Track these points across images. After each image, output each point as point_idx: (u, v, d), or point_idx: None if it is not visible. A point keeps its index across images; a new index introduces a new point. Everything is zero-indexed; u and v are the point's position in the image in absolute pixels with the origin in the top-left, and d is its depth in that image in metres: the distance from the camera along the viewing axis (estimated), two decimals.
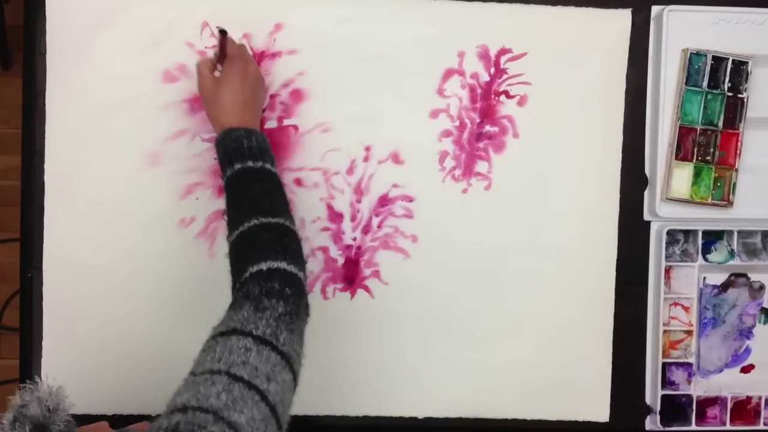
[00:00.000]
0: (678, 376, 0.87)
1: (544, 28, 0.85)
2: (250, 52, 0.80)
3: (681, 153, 0.85)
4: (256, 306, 0.57)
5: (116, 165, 0.83)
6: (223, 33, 0.75)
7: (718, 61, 0.85)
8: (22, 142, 0.83)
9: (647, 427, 0.87)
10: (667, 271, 0.87)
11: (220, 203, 0.83)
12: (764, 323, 0.88)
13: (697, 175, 0.86)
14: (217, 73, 0.75)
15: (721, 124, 0.85)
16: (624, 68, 0.86)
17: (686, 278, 0.87)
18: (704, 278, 0.87)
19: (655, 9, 0.86)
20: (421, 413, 0.86)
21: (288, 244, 0.63)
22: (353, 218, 0.85)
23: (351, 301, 0.85)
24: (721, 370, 0.88)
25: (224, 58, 0.75)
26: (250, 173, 0.68)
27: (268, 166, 0.69)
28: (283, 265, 0.60)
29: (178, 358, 0.83)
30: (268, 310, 0.57)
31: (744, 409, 0.87)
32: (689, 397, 0.86)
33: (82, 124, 0.83)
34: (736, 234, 0.86)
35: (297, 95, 0.84)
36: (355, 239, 0.85)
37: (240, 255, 0.63)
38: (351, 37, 0.84)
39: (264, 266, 0.60)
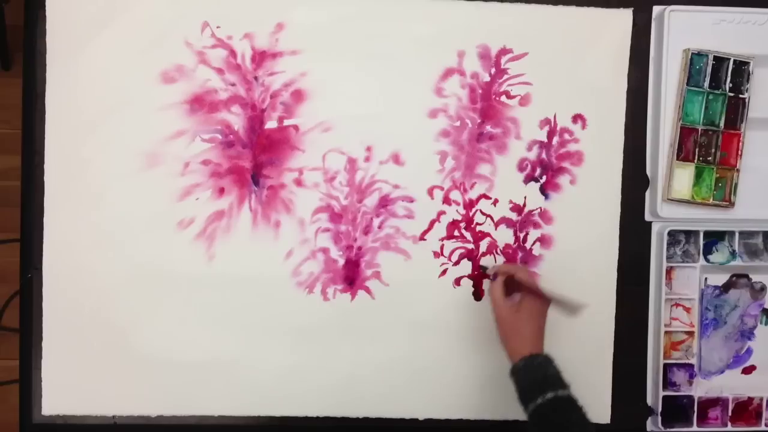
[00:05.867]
0: (679, 377, 0.86)
1: (545, 28, 0.85)
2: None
3: (682, 153, 0.85)
4: None
5: (116, 165, 0.83)
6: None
7: (720, 61, 0.85)
8: (22, 142, 0.83)
9: (648, 428, 0.87)
10: (669, 271, 0.86)
11: (219, 204, 0.83)
12: (766, 324, 0.88)
13: (698, 175, 0.86)
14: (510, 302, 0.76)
15: (722, 124, 0.85)
16: (625, 68, 0.86)
17: (687, 279, 0.87)
18: (705, 279, 0.87)
19: (656, 9, 0.86)
20: (421, 414, 0.86)
21: None
22: (354, 219, 0.84)
23: (351, 302, 0.85)
24: (722, 371, 0.88)
25: (519, 289, 0.77)
26: (565, 402, 0.70)
27: (570, 392, 0.71)
28: None
29: (177, 358, 0.85)
30: None
31: (745, 410, 0.87)
32: (690, 398, 0.86)
33: (81, 124, 0.83)
34: (737, 235, 0.86)
35: (298, 95, 0.83)
36: (355, 240, 0.84)
37: None
38: (352, 37, 0.84)
39: None
